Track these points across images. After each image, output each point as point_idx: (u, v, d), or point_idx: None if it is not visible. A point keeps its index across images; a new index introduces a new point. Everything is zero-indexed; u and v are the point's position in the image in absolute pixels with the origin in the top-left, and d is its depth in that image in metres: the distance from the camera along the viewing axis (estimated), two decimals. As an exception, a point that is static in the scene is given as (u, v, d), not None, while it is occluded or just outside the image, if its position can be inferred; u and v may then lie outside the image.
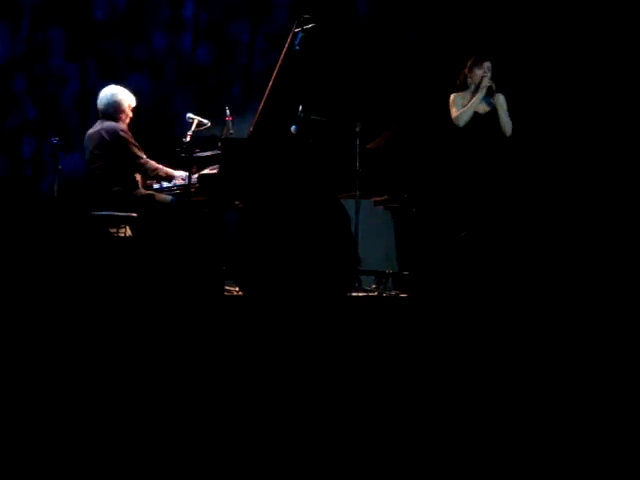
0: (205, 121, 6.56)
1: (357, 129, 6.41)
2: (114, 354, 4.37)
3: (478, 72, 6.58)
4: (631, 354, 4.58)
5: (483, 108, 6.60)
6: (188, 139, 6.38)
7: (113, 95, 6.57)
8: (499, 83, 6.62)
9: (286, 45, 6.35)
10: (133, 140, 6.44)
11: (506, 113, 6.59)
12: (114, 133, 6.42)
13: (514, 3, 7.94)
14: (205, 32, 8.48)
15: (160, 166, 6.49)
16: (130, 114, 6.59)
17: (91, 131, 6.55)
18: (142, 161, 6.43)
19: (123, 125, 6.50)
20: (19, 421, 3.70)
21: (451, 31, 8.00)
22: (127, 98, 6.60)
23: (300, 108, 6.32)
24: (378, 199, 6.91)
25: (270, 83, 6.40)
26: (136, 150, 6.42)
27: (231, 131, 6.57)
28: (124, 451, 3.58)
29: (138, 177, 6.55)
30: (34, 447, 3.54)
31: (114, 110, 6.54)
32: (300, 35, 6.31)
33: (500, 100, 6.59)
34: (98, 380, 4.12)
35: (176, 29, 8.47)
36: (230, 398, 4.07)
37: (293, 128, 6.31)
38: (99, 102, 6.59)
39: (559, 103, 7.72)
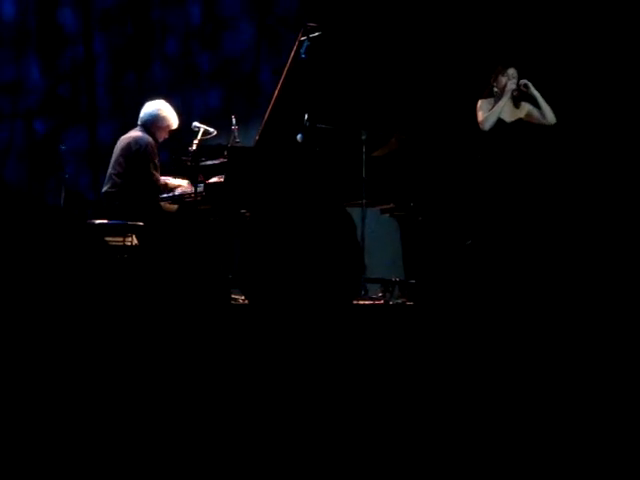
0: (211, 130, 6.56)
1: (363, 137, 6.41)
2: (121, 362, 4.37)
3: (502, 79, 6.62)
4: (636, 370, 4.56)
5: (510, 116, 6.61)
6: (194, 148, 6.39)
7: (159, 110, 6.60)
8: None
9: (292, 53, 6.36)
10: (156, 160, 6.49)
11: (544, 101, 6.57)
12: (143, 146, 6.46)
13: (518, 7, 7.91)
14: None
15: (165, 184, 6.55)
16: (166, 135, 6.62)
17: (124, 136, 6.62)
18: (154, 178, 6.47)
19: (154, 142, 6.53)
20: (18, 432, 3.70)
21: (458, 37, 7.98)
22: (171, 118, 6.63)
23: (306, 116, 6.32)
24: (384, 207, 6.91)
25: (276, 91, 6.41)
26: (153, 169, 6.45)
27: (237, 140, 6.57)
28: (128, 457, 3.58)
29: None
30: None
31: (152, 124, 6.57)
32: (306, 43, 6.31)
33: (527, 107, 6.61)
34: (104, 388, 4.12)
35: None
36: (236, 406, 4.07)
37: (299, 136, 6.31)
38: (142, 111, 6.63)
39: (579, 111, 7.64)
